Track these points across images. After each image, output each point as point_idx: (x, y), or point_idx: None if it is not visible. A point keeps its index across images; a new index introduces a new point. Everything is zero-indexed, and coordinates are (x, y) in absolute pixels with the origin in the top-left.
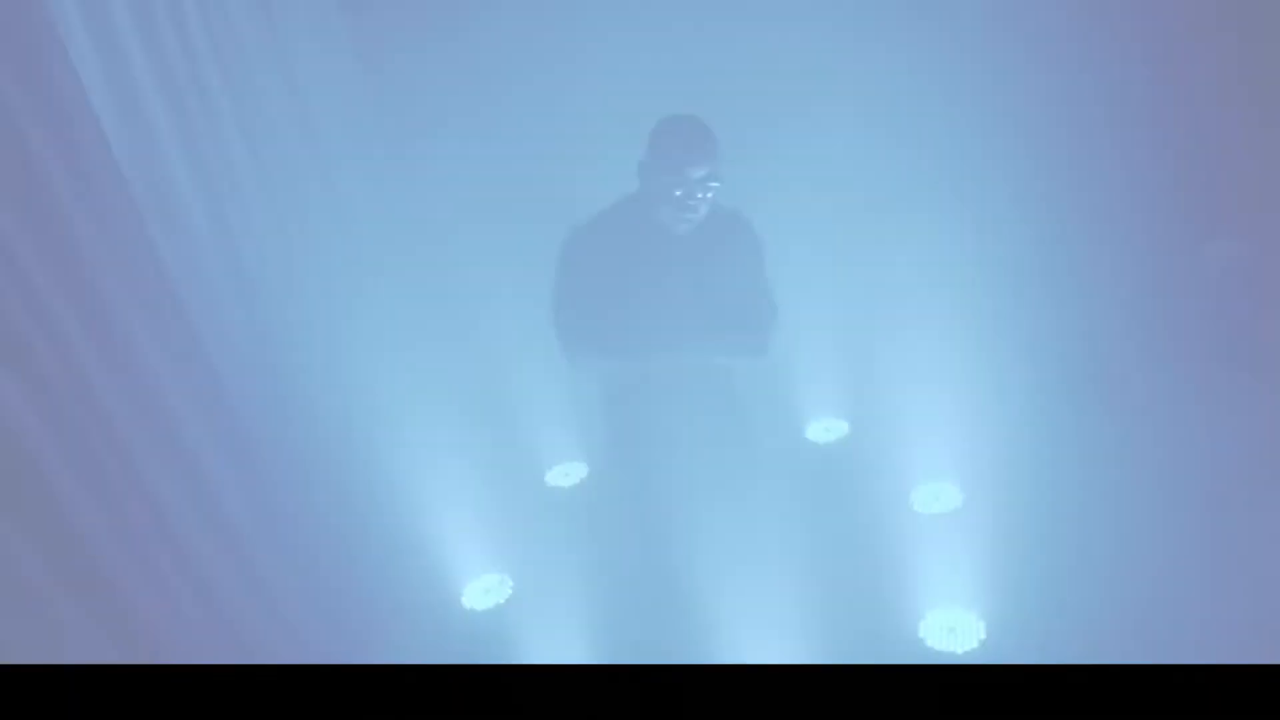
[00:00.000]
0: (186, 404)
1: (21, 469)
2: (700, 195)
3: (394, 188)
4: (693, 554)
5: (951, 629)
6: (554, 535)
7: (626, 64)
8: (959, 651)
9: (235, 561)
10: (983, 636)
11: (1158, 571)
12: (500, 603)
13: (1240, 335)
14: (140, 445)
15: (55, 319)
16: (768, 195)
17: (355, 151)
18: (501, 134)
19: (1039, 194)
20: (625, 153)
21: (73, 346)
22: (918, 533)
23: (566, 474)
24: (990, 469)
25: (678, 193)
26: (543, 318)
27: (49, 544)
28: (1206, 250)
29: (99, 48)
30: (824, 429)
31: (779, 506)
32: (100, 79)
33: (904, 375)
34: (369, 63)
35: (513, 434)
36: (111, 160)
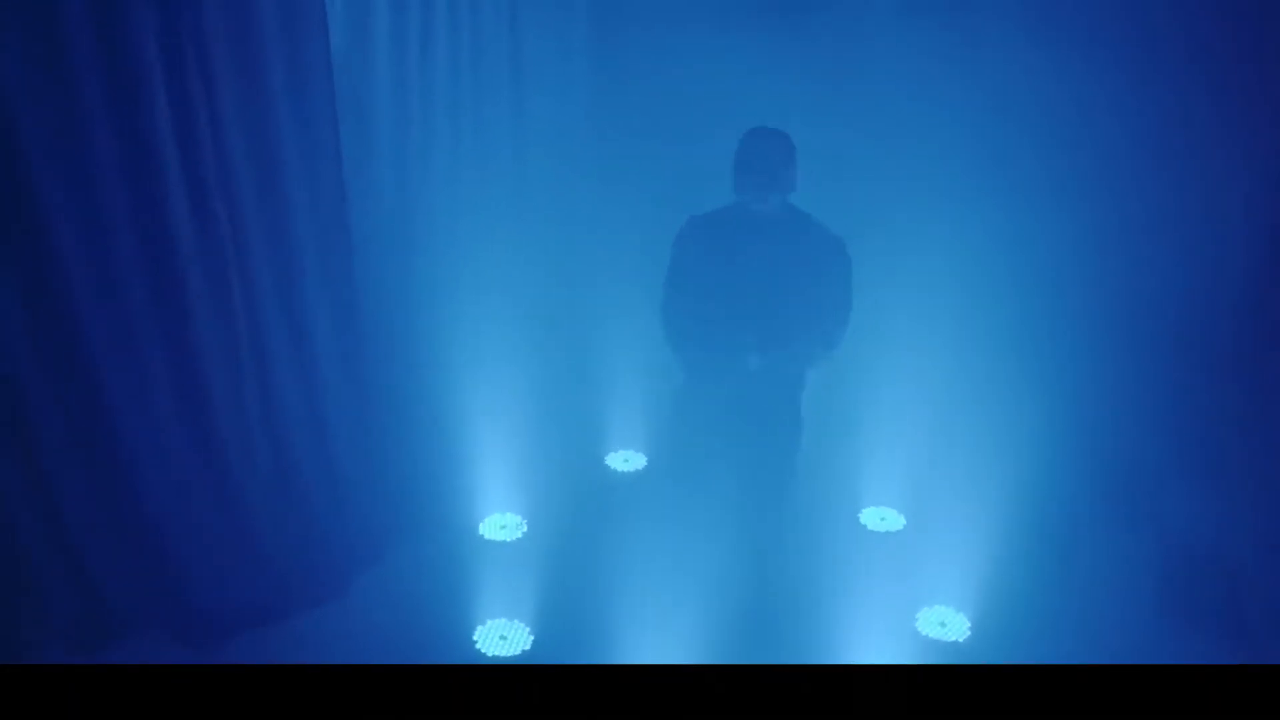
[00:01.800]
0: (317, 294)
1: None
2: (763, 191)
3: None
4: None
5: None
6: (584, 504)
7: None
8: None
9: (315, 438)
10: None
11: None
12: (507, 540)
13: None
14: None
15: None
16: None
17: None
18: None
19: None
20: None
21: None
22: (907, 652)
23: (626, 460)
24: (1002, 607)
25: (749, 190)
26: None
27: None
28: None
29: None
30: (879, 518)
31: (799, 574)
32: None
33: (974, 479)
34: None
35: (594, 409)
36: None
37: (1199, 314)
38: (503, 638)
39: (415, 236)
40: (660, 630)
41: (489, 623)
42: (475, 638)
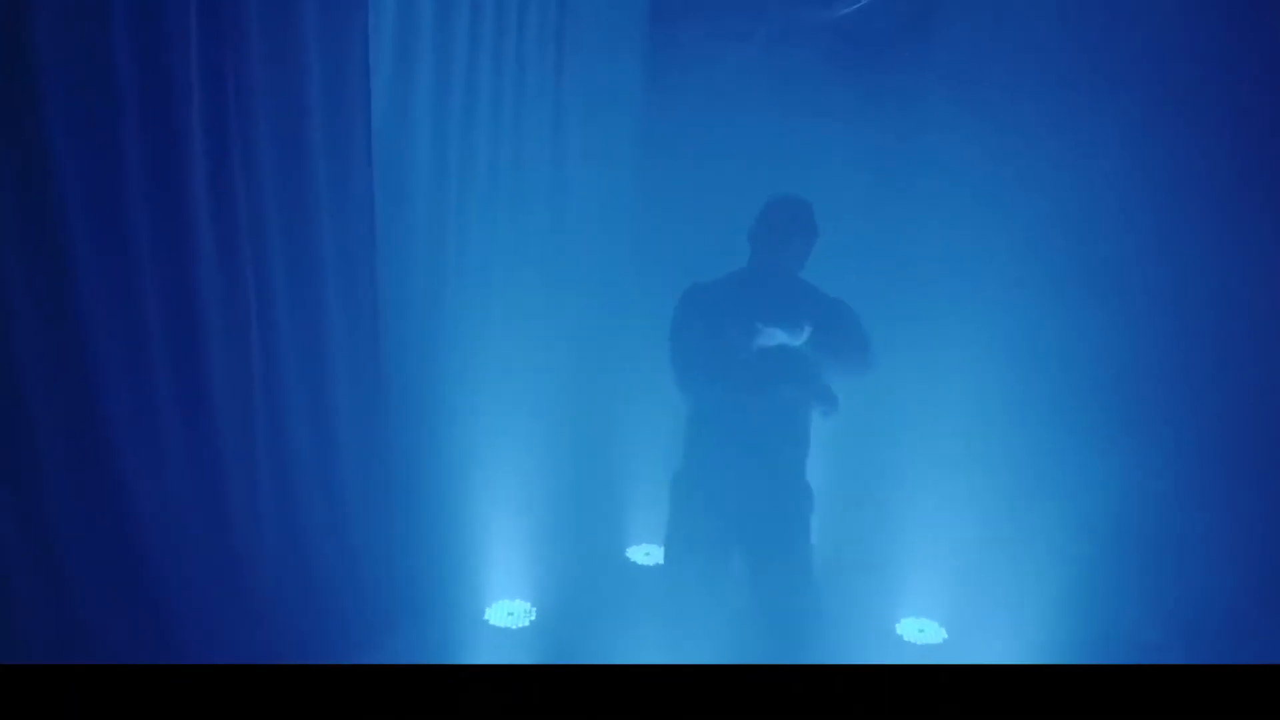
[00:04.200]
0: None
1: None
2: (789, 262)
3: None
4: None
5: None
6: (598, 596)
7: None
8: None
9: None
10: None
11: None
12: (512, 628)
13: None
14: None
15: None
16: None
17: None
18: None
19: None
20: None
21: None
22: None
23: (648, 554)
24: None
25: (773, 258)
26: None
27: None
28: None
29: None
30: (918, 629)
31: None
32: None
33: (1024, 586)
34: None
35: (618, 499)
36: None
37: None
38: None
39: (443, 309)
40: None
41: None
42: None
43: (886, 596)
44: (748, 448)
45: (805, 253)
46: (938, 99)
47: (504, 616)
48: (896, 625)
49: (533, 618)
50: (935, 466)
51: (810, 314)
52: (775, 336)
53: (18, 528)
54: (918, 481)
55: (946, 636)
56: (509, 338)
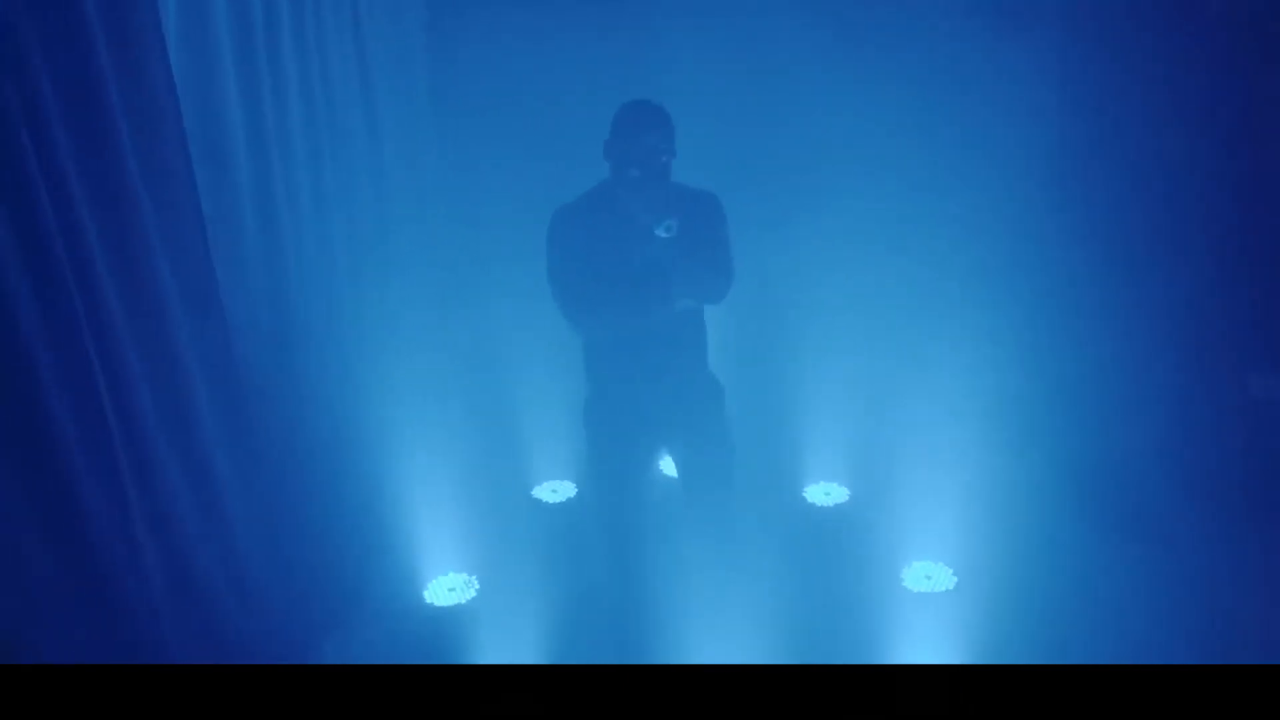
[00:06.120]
0: (196, 372)
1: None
2: (654, 159)
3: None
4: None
5: None
6: (527, 543)
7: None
8: None
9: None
10: None
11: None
12: (461, 602)
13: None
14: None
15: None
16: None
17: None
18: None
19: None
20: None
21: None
22: (904, 610)
23: (554, 490)
24: (986, 551)
25: (633, 167)
26: (548, 321)
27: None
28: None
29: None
30: (824, 493)
31: (763, 564)
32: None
33: (913, 444)
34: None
35: (508, 443)
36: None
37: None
38: None
39: (289, 295)
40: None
41: None
42: None
43: (795, 465)
44: (652, 361)
45: (669, 149)
46: None
47: (445, 594)
48: (804, 491)
49: (477, 587)
50: (826, 339)
51: (692, 211)
52: (671, 229)
53: None
54: (815, 359)
55: (850, 495)
56: (361, 311)
